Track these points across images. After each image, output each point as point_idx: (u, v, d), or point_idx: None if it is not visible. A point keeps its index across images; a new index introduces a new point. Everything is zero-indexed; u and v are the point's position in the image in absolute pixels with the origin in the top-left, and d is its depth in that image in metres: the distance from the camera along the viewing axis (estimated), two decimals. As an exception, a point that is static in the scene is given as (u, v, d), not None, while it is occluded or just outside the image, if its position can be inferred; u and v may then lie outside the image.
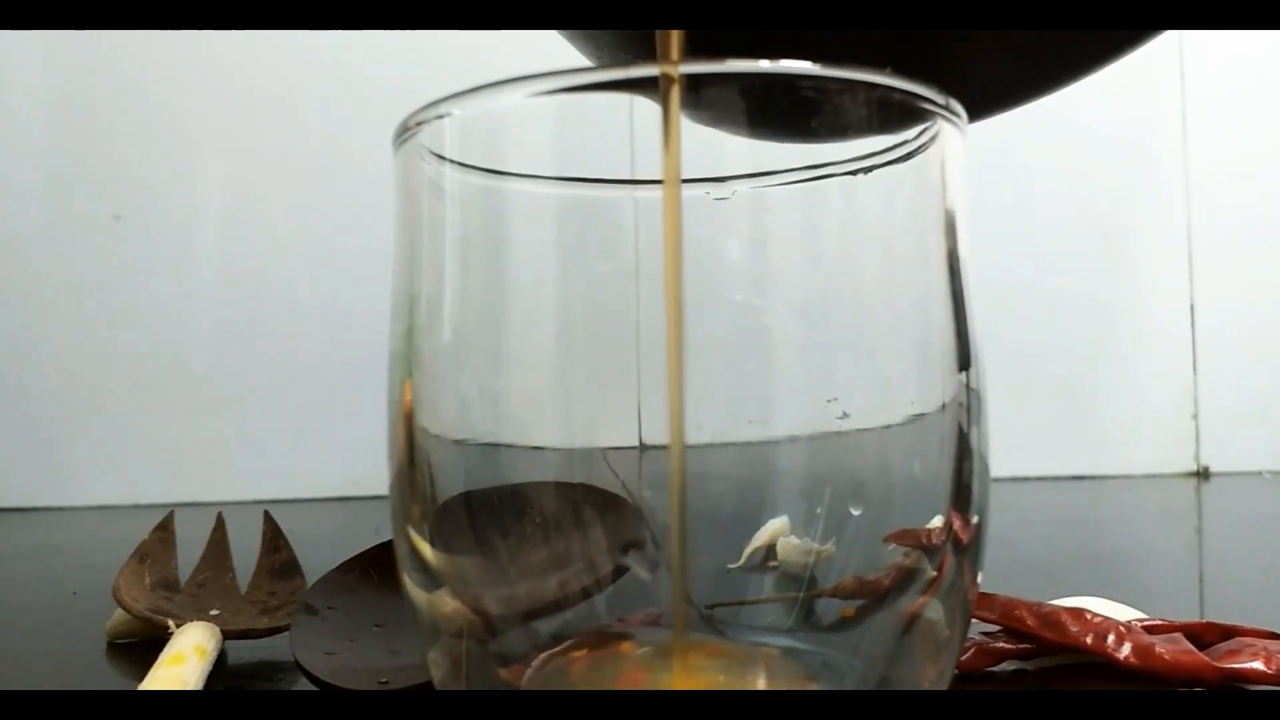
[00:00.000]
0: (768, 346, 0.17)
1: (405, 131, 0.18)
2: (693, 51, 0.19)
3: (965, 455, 0.17)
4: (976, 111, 0.19)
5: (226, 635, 0.28)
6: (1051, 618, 0.25)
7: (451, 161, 0.17)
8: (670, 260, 0.16)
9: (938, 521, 0.17)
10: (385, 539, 0.24)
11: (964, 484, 0.17)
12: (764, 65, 0.16)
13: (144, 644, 0.29)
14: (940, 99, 0.17)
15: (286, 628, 0.27)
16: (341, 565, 0.29)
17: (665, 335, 0.16)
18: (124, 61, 0.73)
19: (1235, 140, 0.77)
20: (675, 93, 0.16)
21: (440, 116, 0.17)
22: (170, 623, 0.28)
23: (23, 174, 0.73)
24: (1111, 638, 0.24)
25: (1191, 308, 0.77)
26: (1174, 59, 0.77)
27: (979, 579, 0.19)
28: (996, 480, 0.19)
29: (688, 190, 0.17)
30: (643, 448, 0.18)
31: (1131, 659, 0.24)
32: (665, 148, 0.17)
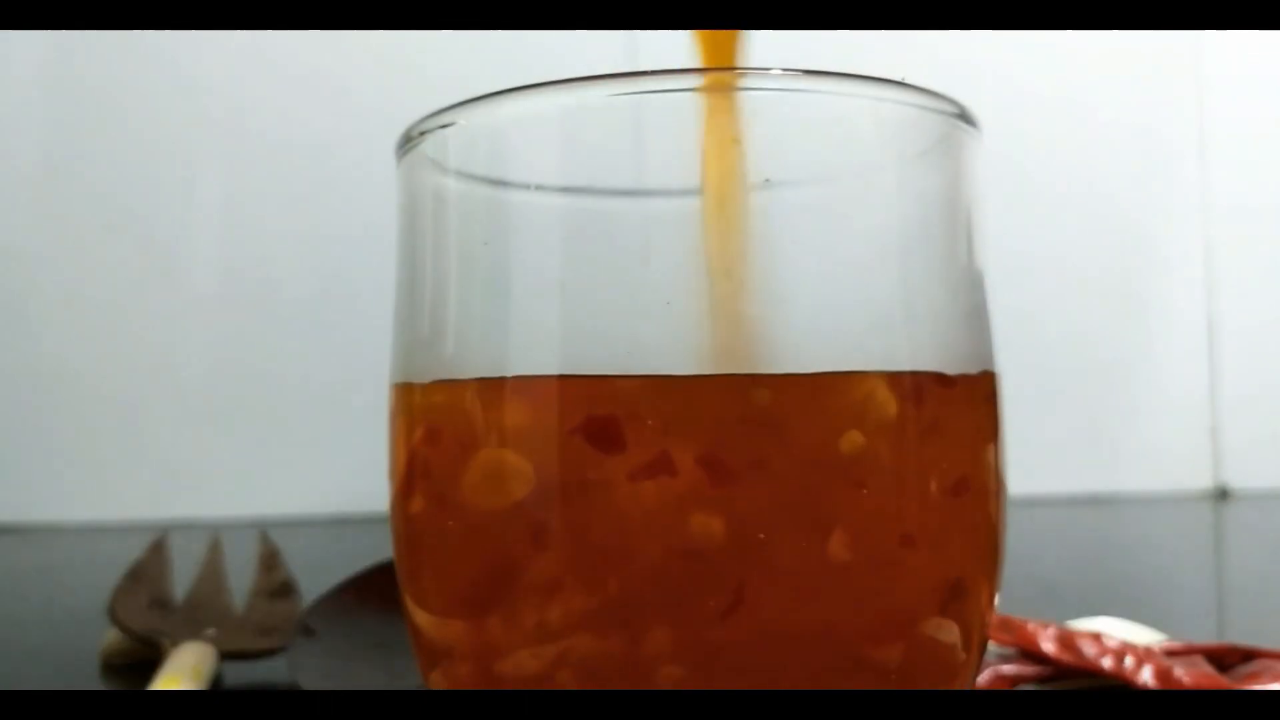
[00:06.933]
0: (781, 357, 0.16)
1: (408, 141, 0.18)
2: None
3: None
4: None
5: (223, 656, 0.27)
6: (1069, 640, 0.24)
7: (455, 172, 0.17)
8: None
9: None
10: (384, 559, 0.23)
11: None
12: (782, 75, 0.15)
13: (139, 665, 0.29)
14: (956, 108, 0.17)
15: (283, 649, 0.27)
16: (340, 586, 0.28)
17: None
18: (118, 71, 0.73)
19: (1253, 155, 0.77)
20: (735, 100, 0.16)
21: (444, 126, 0.17)
22: (165, 642, 0.27)
23: (15, 184, 0.72)
24: (1130, 661, 0.23)
25: (1209, 324, 0.76)
26: (1190, 79, 0.77)
27: (996, 601, 0.18)
28: (1013, 500, 0.18)
29: (698, 201, 0.17)
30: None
31: (1151, 683, 0.23)
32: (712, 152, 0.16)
